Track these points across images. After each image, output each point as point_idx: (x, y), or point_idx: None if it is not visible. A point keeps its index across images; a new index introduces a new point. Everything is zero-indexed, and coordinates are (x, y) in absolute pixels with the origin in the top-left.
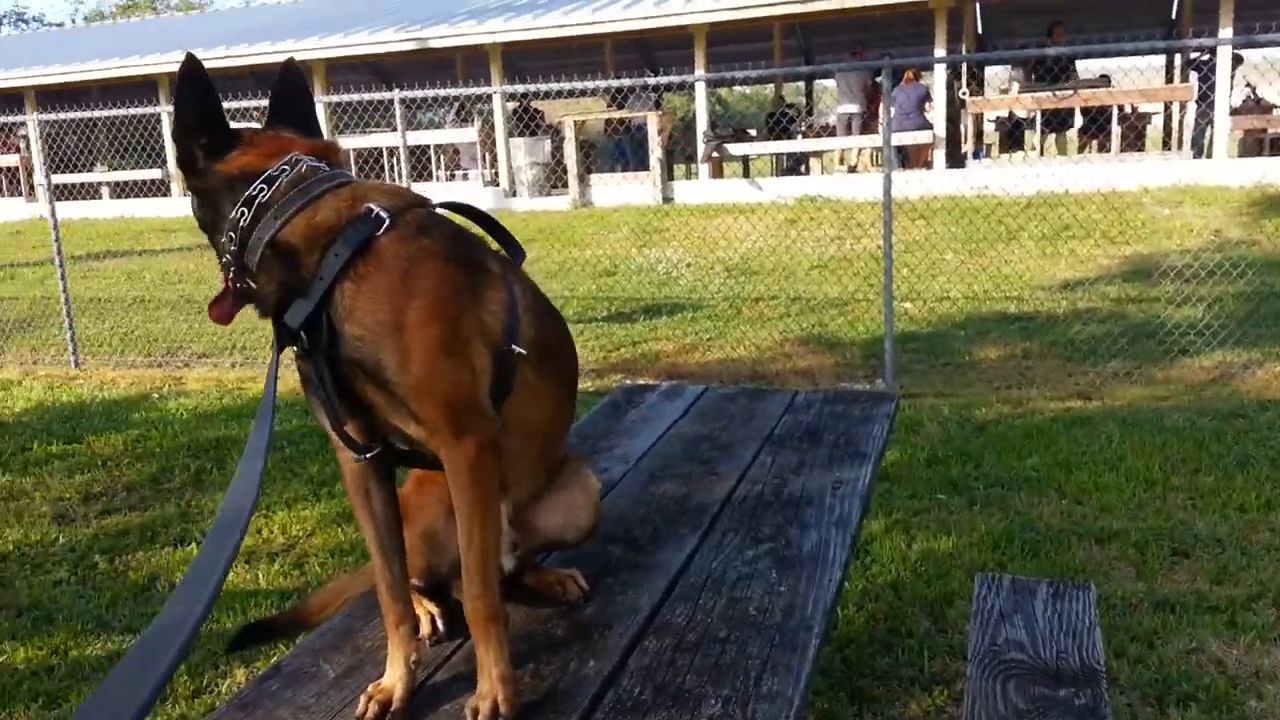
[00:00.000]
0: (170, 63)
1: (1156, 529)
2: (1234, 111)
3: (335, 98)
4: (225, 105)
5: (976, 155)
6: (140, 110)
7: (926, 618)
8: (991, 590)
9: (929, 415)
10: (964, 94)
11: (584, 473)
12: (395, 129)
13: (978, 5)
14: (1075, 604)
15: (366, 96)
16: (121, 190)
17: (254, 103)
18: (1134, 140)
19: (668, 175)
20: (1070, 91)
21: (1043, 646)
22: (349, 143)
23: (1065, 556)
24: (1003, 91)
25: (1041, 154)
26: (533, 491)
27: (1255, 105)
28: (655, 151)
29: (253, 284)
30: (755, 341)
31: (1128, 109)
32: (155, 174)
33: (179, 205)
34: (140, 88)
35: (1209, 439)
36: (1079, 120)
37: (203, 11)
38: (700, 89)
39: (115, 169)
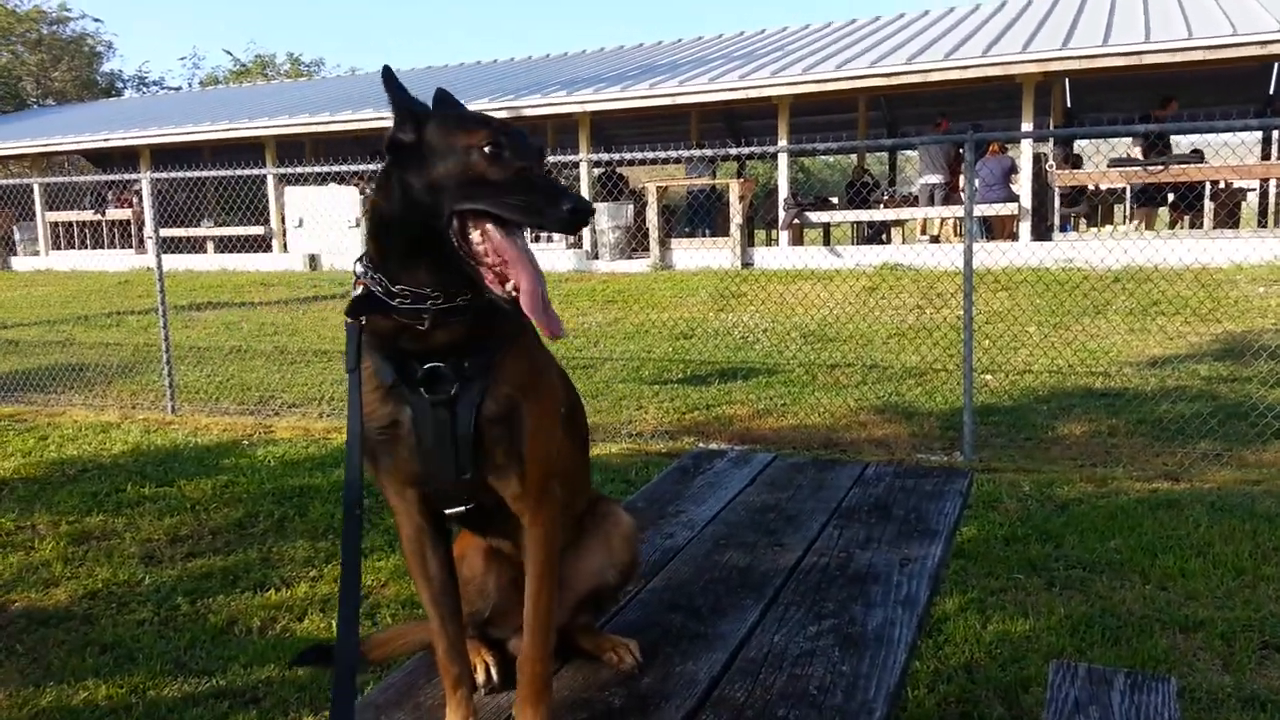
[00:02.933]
0: (278, 126)
1: (1245, 620)
2: None
3: None
4: (329, 169)
5: (1064, 228)
6: (247, 171)
7: (1000, 703)
8: (1067, 679)
9: (1008, 491)
10: (1050, 166)
11: (615, 511)
12: None
13: (1066, 80)
14: (1155, 696)
15: None
16: (225, 245)
17: (356, 167)
18: (1227, 217)
19: (748, 241)
20: (1161, 167)
21: None
22: None
23: (1147, 645)
24: (1117, 162)
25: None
26: (566, 542)
27: None
28: (736, 217)
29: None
30: (830, 409)
31: (1221, 184)
32: (258, 230)
33: (278, 260)
34: (248, 149)
35: None
36: (1170, 196)
37: (310, 79)
38: (783, 158)
39: (220, 224)
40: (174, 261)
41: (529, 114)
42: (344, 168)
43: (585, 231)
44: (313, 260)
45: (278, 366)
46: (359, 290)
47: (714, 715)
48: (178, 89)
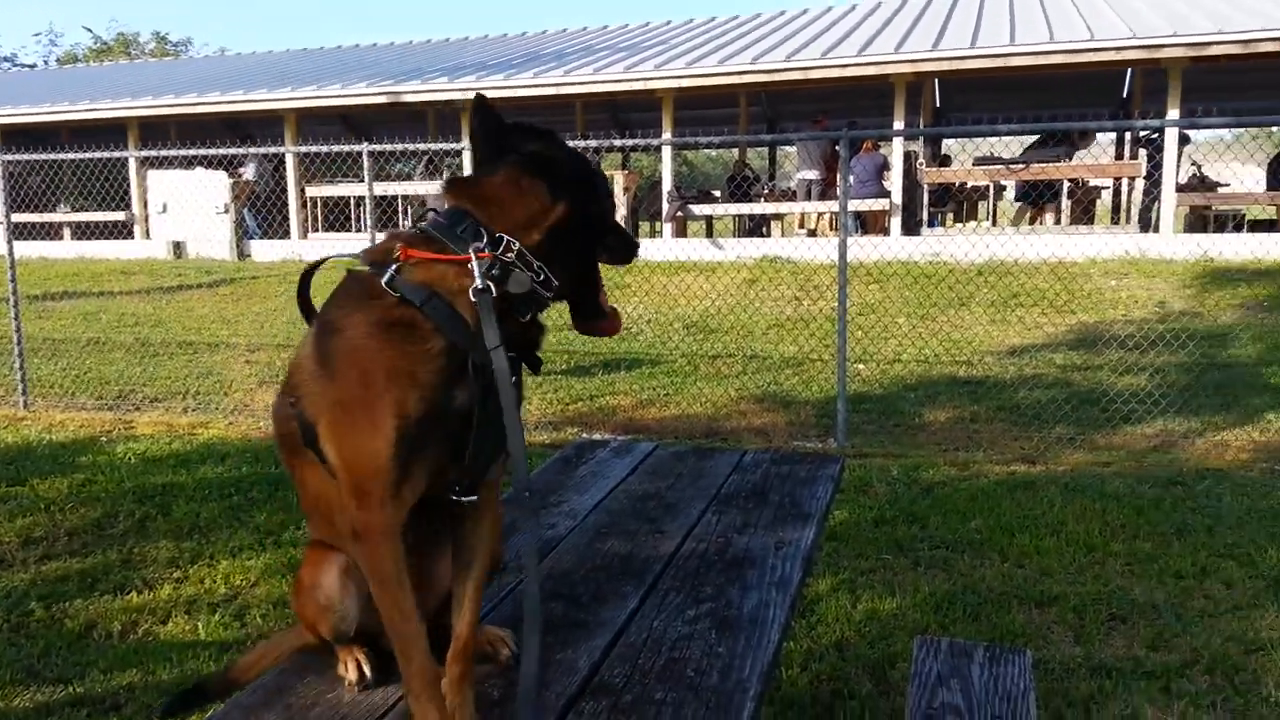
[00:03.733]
0: (142, 107)
1: (1095, 594)
2: (1180, 188)
3: (304, 148)
4: (196, 152)
5: (932, 223)
6: (107, 154)
7: (869, 679)
8: (930, 653)
9: (878, 475)
10: (920, 164)
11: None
12: (363, 179)
13: (936, 81)
14: (1011, 668)
15: (335, 148)
16: (83, 231)
17: (226, 151)
18: (1083, 214)
19: (632, 233)
20: (1023, 165)
21: (978, 711)
22: (318, 191)
23: (1005, 619)
24: (982, 161)
25: (994, 224)
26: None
27: (1200, 183)
28: (620, 209)
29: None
30: (712, 398)
31: (1078, 183)
32: (119, 216)
33: (141, 247)
34: (110, 131)
35: (1148, 506)
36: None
37: (176, 58)
38: (667, 151)
39: (78, 210)
40: (27, 249)
41: (410, 99)
42: (212, 151)
43: None
44: (177, 247)
45: (139, 359)
46: (483, 262)
47: (593, 701)
48: (32, 66)
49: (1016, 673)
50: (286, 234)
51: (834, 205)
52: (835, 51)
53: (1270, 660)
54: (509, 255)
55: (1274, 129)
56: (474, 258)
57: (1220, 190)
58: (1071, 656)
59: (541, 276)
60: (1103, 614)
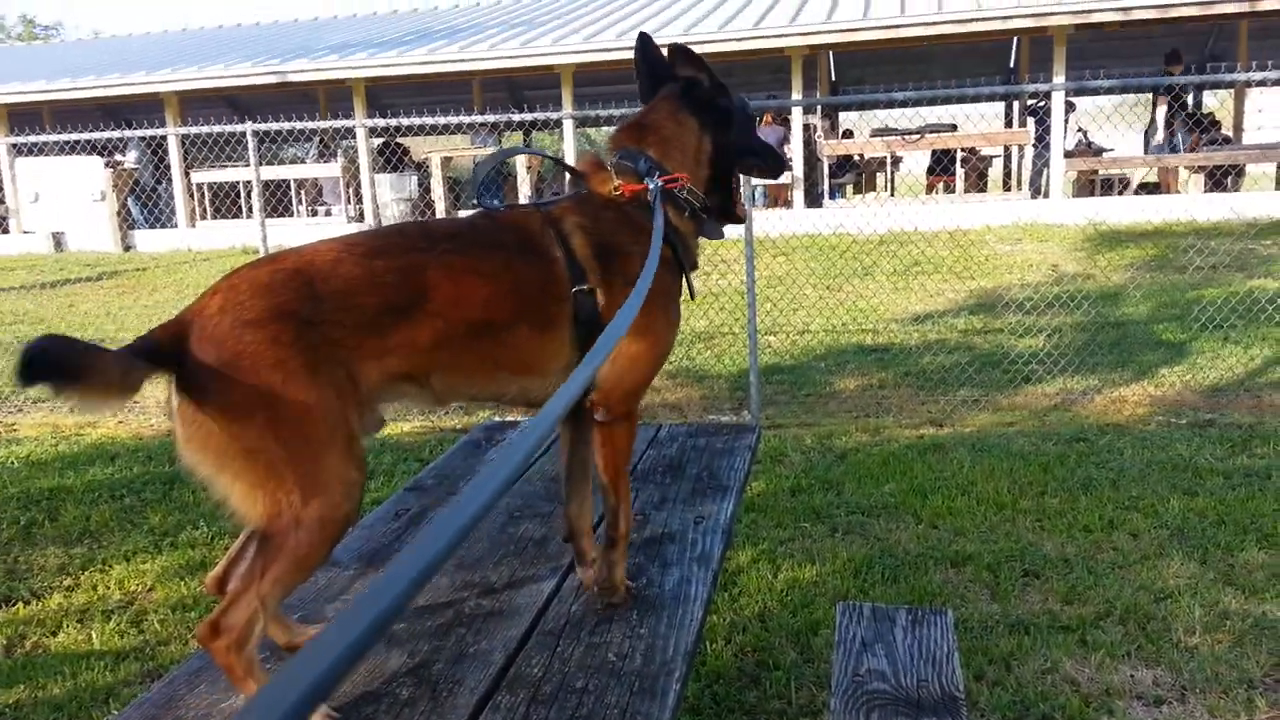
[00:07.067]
0: (10, 94)
1: (1008, 551)
2: (1068, 155)
3: (186, 129)
4: (70, 137)
5: (833, 195)
6: None
7: (793, 648)
8: (853, 619)
9: (793, 445)
10: (819, 136)
11: None
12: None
13: (831, 54)
14: (934, 630)
15: (218, 129)
16: None
17: (104, 135)
18: (977, 180)
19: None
20: (918, 135)
21: (904, 675)
22: (202, 176)
23: (923, 581)
24: (879, 132)
25: (892, 194)
26: None
27: (1087, 149)
28: (524, 188)
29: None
30: None
31: (971, 152)
32: None
33: (18, 242)
34: None
35: (1053, 463)
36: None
37: (47, 43)
38: (568, 126)
39: None
40: None
41: (296, 79)
42: (88, 135)
43: (368, 204)
44: (57, 240)
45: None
46: (652, 188)
47: (510, 694)
48: None
49: (939, 634)
50: (174, 223)
51: None
52: (732, 25)
53: (1179, 606)
54: (688, 194)
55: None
56: (654, 181)
57: (1106, 155)
58: (989, 614)
59: (700, 204)
60: (1017, 570)
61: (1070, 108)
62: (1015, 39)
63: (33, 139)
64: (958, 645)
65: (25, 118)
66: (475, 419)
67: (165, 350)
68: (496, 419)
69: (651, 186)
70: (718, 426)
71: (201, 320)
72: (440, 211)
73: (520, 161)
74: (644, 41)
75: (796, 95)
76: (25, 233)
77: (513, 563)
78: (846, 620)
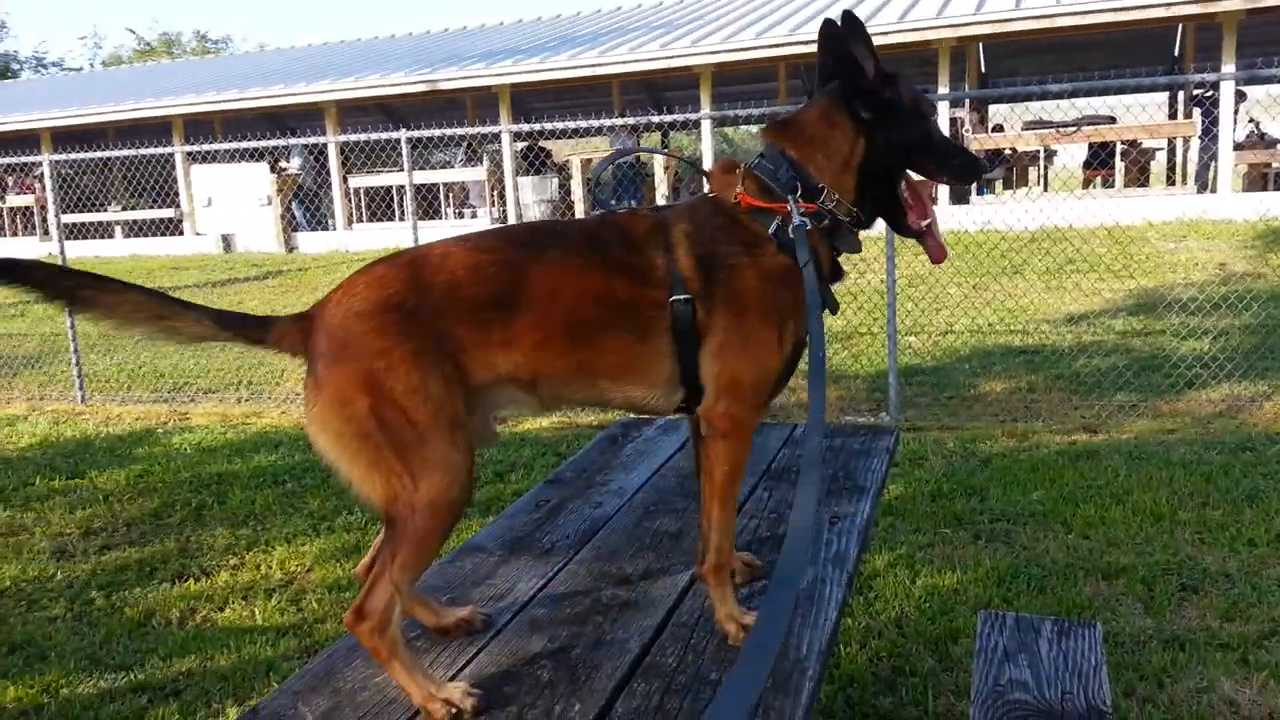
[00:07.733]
0: (185, 105)
1: (1164, 564)
2: (1238, 147)
3: (343, 137)
4: (238, 145)
5: (981, 191)
6: (152, 150)
7: (931, 655)
8: (995, 628)
9: (933, 449)
10: (966, 130)
11: None
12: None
13: (980, 45)
14: (1081, 642)
15: (374, 136)
16: (135, 229)
17: (270, 143)
18: (1139, 174)
19: None
20: (1074, 128)
21: (1047, 687)
22: (359, 182)
23: (1071, 592)
24: (1031, 125)
25: (1045, 189)
26: None
27: (1259, 140)
28: (661, 188)
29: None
30: None
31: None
32: (168, 213)
33: (191, 243)
34: (155, 129)
35: (1216, 473)
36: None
37: (218, 56)
38: (706, 127)
39: (129, 208)
40: (81, 248)
41: (445, 87)
42: (254, 144)
43: (510, 206)
44: (227, 242)
45: (192, 353)
46: (794, 206)
47: (645, 682)
48: (79, 70)
49: (1087, 647)
50: (333, 225)
51: None
52: (876, 19)
53: None
54: (829, 204)
55: None
56: (794, 205)
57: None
58: (1142, 629)
59: (852, 219)
60: (1173, 584)
61: (1241, 97)
62: (1179, 25)
63: (205, 147)
64: (1106, 659)
65: (199, 127)
66: (611, 416)
67: (293, 339)
68: (632, 415)
69: (796, 221)
70: (855, 427)
71: (321, 312)
72: (579, 212)
73: (658, 162)
74: (829, 28)
75: (944, 88)
76: (198, 234)
77: (648, 556)
78: (988, 629)
